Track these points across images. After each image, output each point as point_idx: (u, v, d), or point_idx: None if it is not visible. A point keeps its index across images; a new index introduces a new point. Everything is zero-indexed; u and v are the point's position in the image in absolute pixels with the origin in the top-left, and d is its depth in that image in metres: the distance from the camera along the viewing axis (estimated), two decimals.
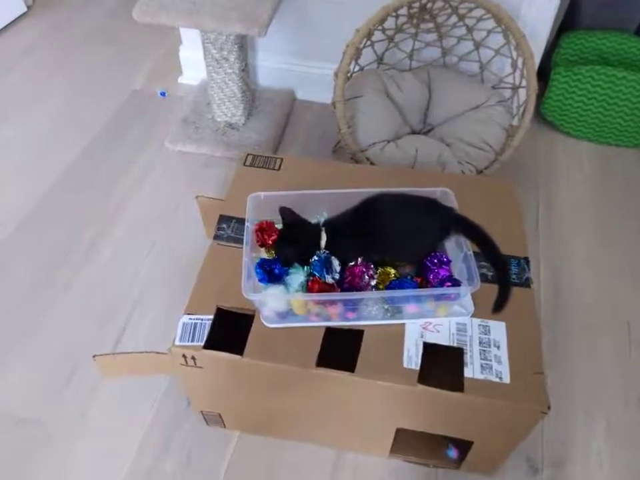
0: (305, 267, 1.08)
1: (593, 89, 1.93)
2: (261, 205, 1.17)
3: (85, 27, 2.58)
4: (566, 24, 2.10)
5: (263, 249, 1.17)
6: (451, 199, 1.15)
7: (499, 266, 1.04)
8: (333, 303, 1.03)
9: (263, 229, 1.15)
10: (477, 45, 1.83)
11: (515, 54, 1.71)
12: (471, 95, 1.80)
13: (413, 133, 1.85)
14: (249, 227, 1.12)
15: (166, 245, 1.69)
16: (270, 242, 1.15)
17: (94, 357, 1.09)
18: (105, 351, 1.36)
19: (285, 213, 1.10)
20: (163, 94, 2.22)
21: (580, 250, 1.70)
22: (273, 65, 2.16)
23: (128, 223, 1.75)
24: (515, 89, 1.79)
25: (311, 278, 1.06)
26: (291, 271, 1.08)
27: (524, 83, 1.71)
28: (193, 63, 2.17)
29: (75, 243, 1.69)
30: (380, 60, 1.91)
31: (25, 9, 2.62)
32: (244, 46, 1.84)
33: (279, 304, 1.06)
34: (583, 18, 2.08)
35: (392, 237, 1.08)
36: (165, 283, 1.59)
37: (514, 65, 1.74)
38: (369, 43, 1.78)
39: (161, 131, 2.06)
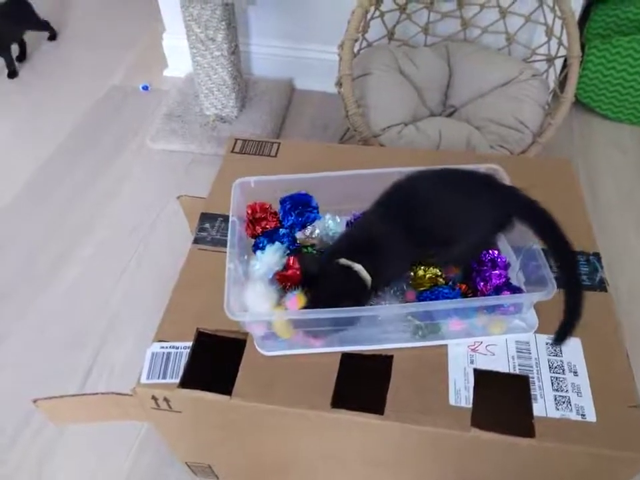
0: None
1: (635, 62, 1.70)
2: (251, 194, 0.91)
3: (59, 26, 2.30)
4: None
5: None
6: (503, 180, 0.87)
7: (569, 272, 0.74)
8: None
9: (255, 218, 0.89)
10: (504, 13, 1.56)
11: (549, 18, 1.45)
12: (499, 69, 1.54)
13: (432, 115, 1.58)
14: (235, 222, 0.85)
15: (146, 259, 1.44)
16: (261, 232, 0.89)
17: (34, 401, 0.82)
18: (71, 389, 1.17)
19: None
20: (145, 88, 1.97)
21: (636, 243, 1.47)
22: (268, 51, 1.93)
23: (98, 238, 1.49)
24: (550, 60, 1.53)
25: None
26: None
27: (561, 52, 1.46)
28: (179, 52, 1.92)
29: (30, 264, 1.44)
30: (391, 35, 1.65)
31: None
32: (232, 23, 1.58)
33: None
34: None
35: (435, 228, 0.78)
36: (144, 304, 1.33)
37: (549, 33, 1.48)
38: (377, 13, 1.53)
39: (141, 128, 1.81)
